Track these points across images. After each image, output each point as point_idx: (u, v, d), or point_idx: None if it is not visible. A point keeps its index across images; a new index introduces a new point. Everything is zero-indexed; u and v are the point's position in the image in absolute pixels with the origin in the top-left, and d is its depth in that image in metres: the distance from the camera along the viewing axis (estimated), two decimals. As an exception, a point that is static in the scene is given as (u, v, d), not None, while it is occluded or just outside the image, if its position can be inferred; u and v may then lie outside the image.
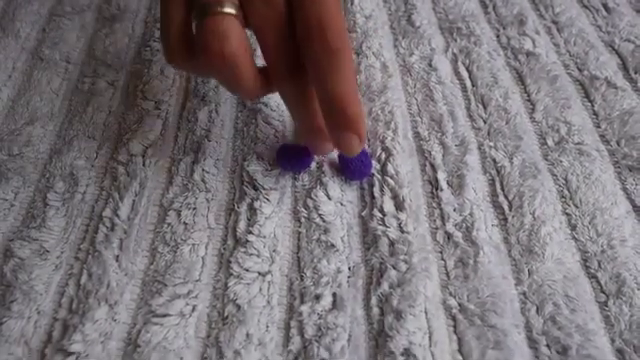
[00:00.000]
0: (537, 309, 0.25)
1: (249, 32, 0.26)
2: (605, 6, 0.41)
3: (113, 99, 0.35)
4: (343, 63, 0.23)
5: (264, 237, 0.27)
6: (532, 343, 0.24)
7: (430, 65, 0.37)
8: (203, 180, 0.30)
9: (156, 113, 0.33)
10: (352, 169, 0.29)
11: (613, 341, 0.24)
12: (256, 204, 0.28)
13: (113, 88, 0.35)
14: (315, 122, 0.26)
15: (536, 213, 0.28)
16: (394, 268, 0.26)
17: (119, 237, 0.27)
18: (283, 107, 0.34)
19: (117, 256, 0.26)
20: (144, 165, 0.31)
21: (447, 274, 0.26)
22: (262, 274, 0.26)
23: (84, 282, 0.25)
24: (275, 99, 0.34)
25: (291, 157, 0.29)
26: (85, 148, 0.31)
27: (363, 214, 0.29)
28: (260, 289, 0.25)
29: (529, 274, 0.26)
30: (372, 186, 0.30)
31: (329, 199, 0.29)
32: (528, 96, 0.35)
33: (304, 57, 0.24)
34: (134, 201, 0.29)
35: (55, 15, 0.41)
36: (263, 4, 0.24)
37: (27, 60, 0.37)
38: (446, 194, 0.29)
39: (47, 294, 0.25)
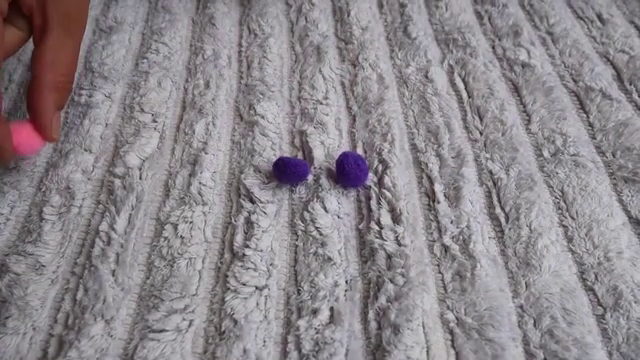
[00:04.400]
0: (534, 322, 0.25)
1: None
2: (599, 17, 0.42)
3: (110, 112, 0.35)
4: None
5: (261, 251, 0.27)
6: (530, 357, 0.24)
7: (426, 77, 0.37)
8: (200, 193, 0.30)
9: (153, 126, 0.34)
10: (348, 173, 0.29)
11: (611, 354, 0.24)
12: (253, 217, 0.28)
13: (110, 100, 0.35)
14: None
15: (533, 225, 0.28)
16: (391, 282, 0.26)
17: (115, 251, 0.27)
18: (280, 120, 0.34)
19: (113, 270, 0.26)
20: (141, 178, 0.30)
21: (444, 287, 0.26)
22: (259, 288, 0.26)
23: (80, 297, 0.25)
24: (272, 112, 0.34)
25: (288, 170, 0.29)
26: (81, 161, 0.31)
27: (360, 227, 0.29)
28: (257, 303, 0.25)
29: (526, 287, 0.26)
30: (369, 199, 0.30)
31: (326, 212, 0.29)
32: (524, 107, 0.35)
33: None
34: (130, 215, 0.29)
35: (52, 27, 0.41)
36: None
37: (24, 73, 0.37)
38: (443, 206, 0.29)
39: (43, 310, 0.25)
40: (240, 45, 0.40)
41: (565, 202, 0.29)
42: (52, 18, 0.28)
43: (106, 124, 0.34)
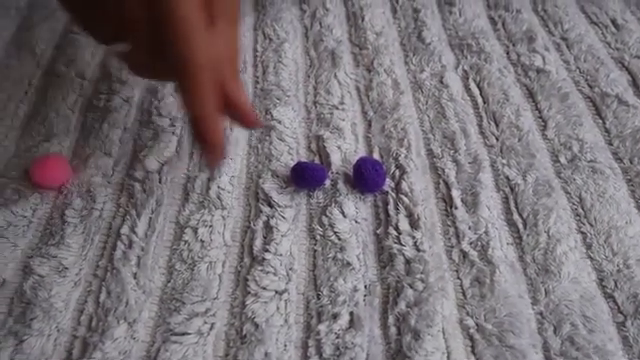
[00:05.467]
0: (554, 329, 0.25)
1: None
2: (614, 22, 0.42)
3: (128, 116, 0.35)
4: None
5: (280, 255, 0.27)
6: (550, 363, 0.24)
7: (441, 82, 0.37)
8: (219, 197, 0.30)
9: (171, 130, 0.34)
10: (366, 178, 0.29)
11: (631, 361, 0.24)
12: (272, 222, 0.29)
13: (128, 105, 0.36)
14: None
15: (551, 232, 0.28)
16: (411, 287, 0.26)
17: (137, 254, 0.27)
18: (296, 125, 0.35)
19: (135, 273, 0.27)
20: (160, 182, 0.31)
21: (463, 293, 0.26)
22: (279, 292, 0.26)
23: (103, 300, 0.26)
24: (289, 116, 0.35)
25: (306, 175, 0.30)
26: (101, 165, 0.32)
27: (378, 232, 0.29)
28: (277, 307, 0.26)
29: (545, 294, 0.26)
30: (386, 204, 0.30)
31: (344, 217, 0.29)
32: (539, 113, 0.35)
33: None
34: (151, 218, 0.29)
35: (70, 32, 0.41)
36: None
37: (43, 77, 0.38)
38: (460, 212, 0.29)
39: (66, 311, 0.25)
40: (255, 50, 0.40)
41: (583, 209, 0.30)
42: (217, 10, 0.25)
43: (124, 128, 0.34)
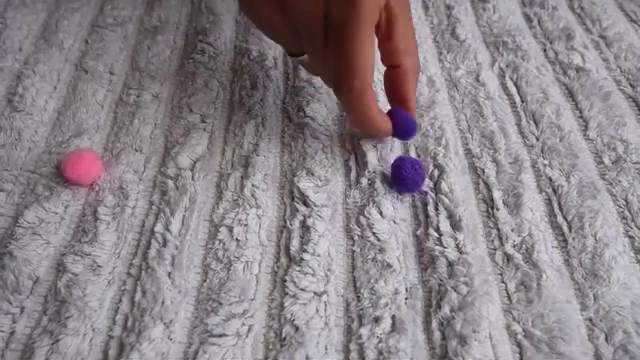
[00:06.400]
0: (606, 337, 0.24)
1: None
2: (653, 21, 0.40)
3: (158, 111, 0.34)
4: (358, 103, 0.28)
5: (319, 255, 0.27)
6: (602, 372, 0.23)
7: (477, 80, 0.36)
8: (253, 195, 0.29)
9: (202, 126, 0.33)
10: (405, 177, 0.29)
11: (688, 372, 0.23)
12: (309, 221, 0.28)
13: (158, 100, 0.35)
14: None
15: (598, 235, 0.27)
16: (455, 290, 0.25)
17: (171, 253, 0.27)
18: (329, 122, 0.34)
19: (170, 273, 0.26)
20: (193, 179, 0.30)
21: (509, 297, 0.25)
22: (318, 294, 0.25)
23: (138, 299, 0.25)
24: (322, 114, 0.34)
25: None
26: (133, 161, 0.31)
27: (418, 233, 0.28)
28: (317, 310, 0.25)
29: (594, 299, 0.25)
30: (426, 204, 0.29)
31: (382, 217, 0.28)
32: (580, 113, 0.34)
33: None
34: (184, 216, 0.28)
35: (97, 26, 0.41)
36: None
37: (71, 72, 0.37)
38: (503, 213, 0.28)
39: (101, 311, 0.25)
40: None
41: (630, 212, 0.28)
42: (394, 9, 0.28)
43: (155, 124, 0.34)
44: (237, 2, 0.31)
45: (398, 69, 0.29)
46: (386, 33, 0.28)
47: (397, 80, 0.30)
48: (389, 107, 0.31)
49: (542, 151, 0.32)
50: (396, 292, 0.25)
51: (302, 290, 0.25)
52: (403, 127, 0.30)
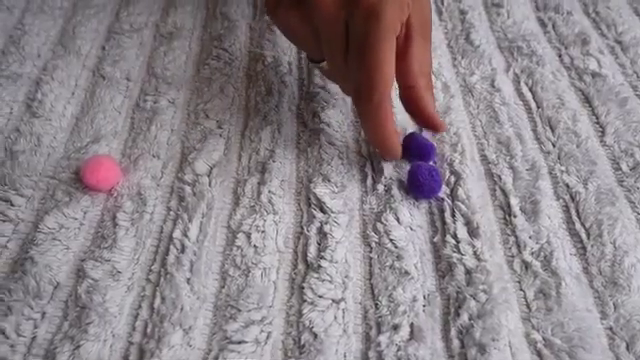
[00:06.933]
0: (627, 346, 0.24)
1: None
2: (670, 25, 0.40)
3: (175, 117, 0.35)
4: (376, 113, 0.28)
5: (336, 262, 0.27)
6: (623, 382, 0.23)
7: (492, 85, 0.36)
8: (270, 202, 0.29)
9: (219, 132, 0.33)
10: (422, 184, 0.29)
11: None
12: (326, 228, 0.28)
13: (174, 106, 0.35)
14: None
15: (617, 243, 0.27)
16: (473, 298, 0.25)
17: (190, 259, 0.27)
18: (345, 128, 0.34)
19: (188, 279, 0.26)
20: (210, 185, 0.30)
21: (527, 306, 0.25)
22: (336, 301, 0.25)
23: (157, 305, 0.25)
24: (337, 120, 0.34)
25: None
26: (150, 167, 0.31)
27: (435, 240, 0.28)
28: (335, 317, 0.25)
29: (615, 308, 0.25)
30: (442, 211, 0.29)
31: (399, 223, 0.28)
32: (597, 119, 0.34)
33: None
34: (202, 222, 0.29)
35: (114, 33, 0.41)
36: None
37: (89, 78, 0.38)
38: (520, 220, 0.28)
39: (121, 317, 0.25)
40: (300, 52, 0.40)
41: (649, 219, 0.28)
42: (413, 27, 0.28)
43: (172, 130, 0.34)
44: (262, 6, 0.32)
45: (412, 89, 0.29)
46: (402, 50, 0.28)
47: (413, 97, 0.30)
48: (410, 130, 0.32)
49: (559, 157, 0.32)
50: (414, 299, 0.25)
51: (320, 297, 0.25)
52: (421, 151, 0.31)
